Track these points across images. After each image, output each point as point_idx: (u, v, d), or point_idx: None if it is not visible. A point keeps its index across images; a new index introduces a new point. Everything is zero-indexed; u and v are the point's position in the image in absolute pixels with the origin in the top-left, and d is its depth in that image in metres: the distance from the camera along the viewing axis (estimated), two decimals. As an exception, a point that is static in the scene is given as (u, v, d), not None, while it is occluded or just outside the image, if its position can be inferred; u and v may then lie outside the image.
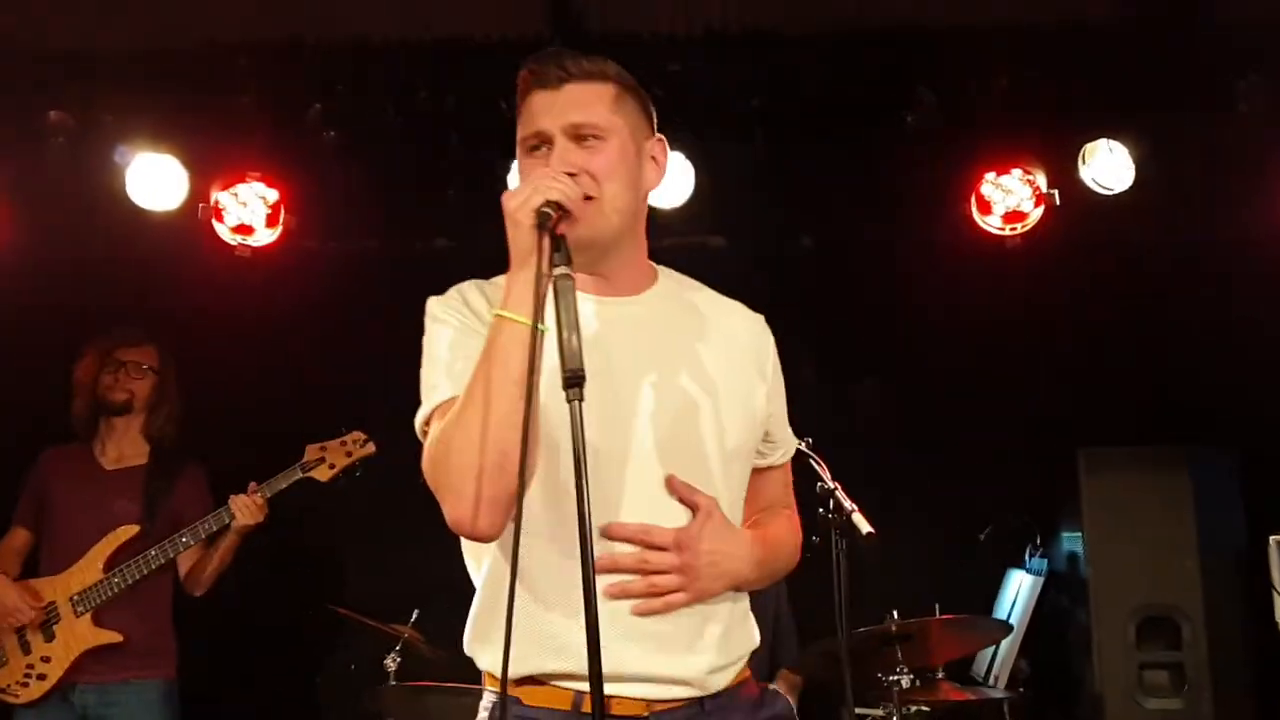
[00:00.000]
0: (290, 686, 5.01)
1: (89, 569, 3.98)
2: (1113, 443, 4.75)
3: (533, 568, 1.81)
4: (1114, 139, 4.44)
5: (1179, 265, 4.88)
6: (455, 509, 1.75)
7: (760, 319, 2.12)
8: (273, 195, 4.60)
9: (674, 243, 4.55)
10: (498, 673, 1.74)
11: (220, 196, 4.57)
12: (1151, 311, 5.02)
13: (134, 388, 4.19)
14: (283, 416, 4.37)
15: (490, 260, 5.57)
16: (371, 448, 4.18)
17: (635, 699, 1.82)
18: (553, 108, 1.88)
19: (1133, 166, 4.43)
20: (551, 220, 1.74)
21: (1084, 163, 4.45)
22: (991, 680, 4.82)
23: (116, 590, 3.95)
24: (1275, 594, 4.33)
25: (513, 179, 4.53)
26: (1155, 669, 4.58)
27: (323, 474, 4.13)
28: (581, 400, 1.62)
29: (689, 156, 4.40)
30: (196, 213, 4.53)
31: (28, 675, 3.93)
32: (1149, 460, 4.70)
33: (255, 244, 4.59)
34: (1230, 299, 4.90)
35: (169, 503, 4.13)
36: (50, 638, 3.95)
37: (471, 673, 2.01)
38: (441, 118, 4.62)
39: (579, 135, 1.88)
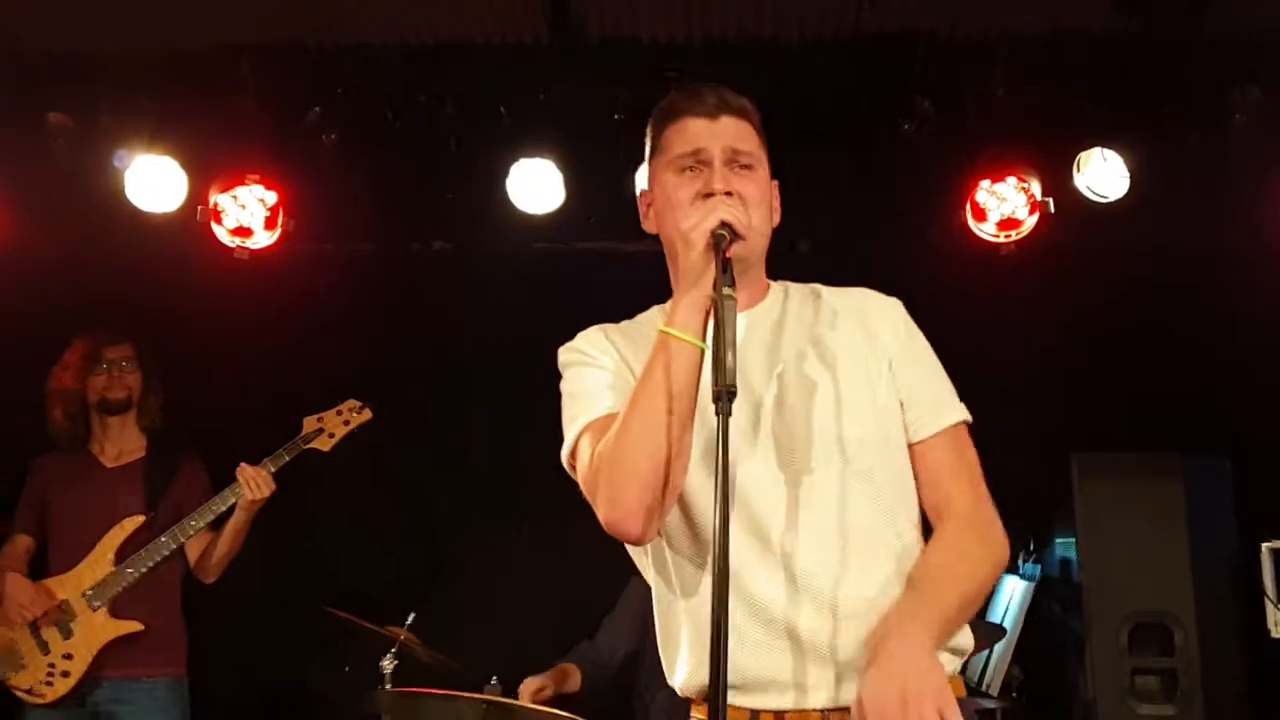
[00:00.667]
0: (285, 689, 5.01)
1: (99, 563, 4.01)
2: (1106, 448, 4.76)
3: (687, 586, 1.94)
4: (1108, 148, 4.46)
5: (1173, 273, 4.91)
6: (611, 513, 1.83)
7: (887, 299, 2.13)
8: (272, 198, 4.61)
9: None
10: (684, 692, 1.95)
11: (219, 199, 4.58)
12: (1146, 319, 5.04)
13: (128, 383, 4.22)
14: (280, 417, 4.37)
15: (487, 264, 5.61)
16: (368, 414, 4.23)
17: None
18: (712, 132, 1.97)
19: (1127, 175, 4.46)
20: (725, 242, 1.81)
21: (1079, 171, 4.49)
22: (985, 686, 4.84)
23: (131, 580, 3.99)
24: (1267, 601, 4.35)
25: (514, 179, 4.56)
26: (1148, 675, 4.59)
27: (324, 444, 4.18)
28: (729, 415, 1.67)
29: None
30: (195, 215, 4.55)
31: (50, 675, 3.94)
32: (1142, 466, 4.71)
33: (254, 246, 4.61)
34: (1223, 308, 4.93)
35: (170, 492, 4.16)
36: (68, 635, 3.97)
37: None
38: (440, 121, 4.65)
39: (735, 161, 1.97)
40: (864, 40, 4.42)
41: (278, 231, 4.62)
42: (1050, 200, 4.49)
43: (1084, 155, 4.47)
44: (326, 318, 5.05)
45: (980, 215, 4.53)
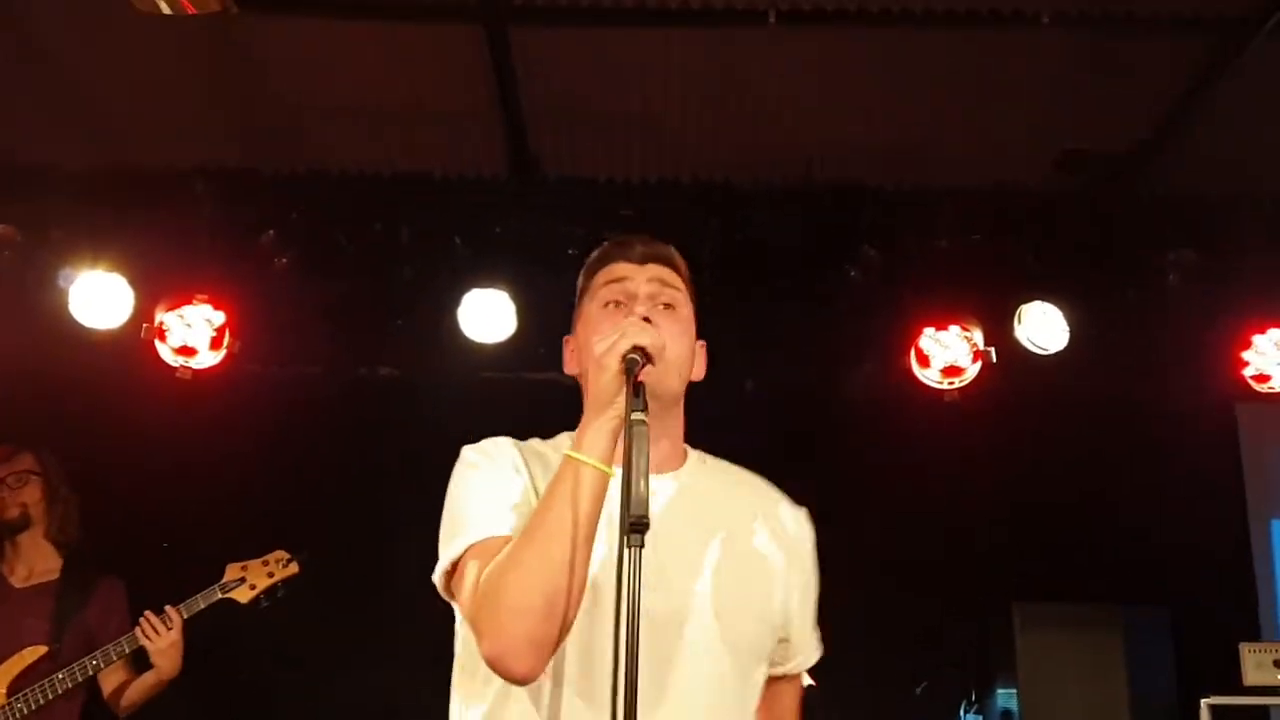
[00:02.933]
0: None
1: None
2: (1047, 598, 4.78)
3: (559, 713, 1.77)
4: (1048, 301, 4.58)
5: (1112, 426, 5.00)
6: (496, 646, 1.69)
7: (804, 512, 2.09)
8: (219, 318, 4.58)
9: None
10: None
11: (165, 317, 4.54)
12: (1086, 470, 5.12)
13: (23, 499, 4.03)
14: (216, 539, 4.27)
15: (434, 391, 5.58)
16: (295, 568, 4.03)
17: None
18: (639, 272, 1.97)
19: (1067, 329, 4.57)
20: (639, 365, 1.74)
21: (1019, 323, 4.59)
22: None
23: (20, 715, 3.76)
24: (1206, 757, 4.34)
25: (465, 310, 4.57)
26: (1089, 829, 4.54)
27: (243, 595, 3.96)
28: (641, 547, 1.57)
29: (638, 298, 4.47)
30: (140, 332, 4.50)
31: None
32: (1083, 618, 4.74)
33: (197, 365, 4.56)
34: (1162, 460, 5.02)
35: (82, 620, 3.95)
36: None
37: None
38: (394, 249, 4.67)
39: (658, 297, 1.95)
40: (813, 189, 4.55)
41: (223, 352, 4.58)
42: (992, 350, 4.59)
43: (1025, 308, 4.58)
44: (269, 438, 4.98)
45: (924, 361, 4.61)
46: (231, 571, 3.99)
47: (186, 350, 4.56)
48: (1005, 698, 4.90)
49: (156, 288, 4.56)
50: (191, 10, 3.61)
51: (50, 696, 3.77)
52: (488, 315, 4.60)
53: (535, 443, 1.98)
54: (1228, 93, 4.04)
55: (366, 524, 5.25)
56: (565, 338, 2.07)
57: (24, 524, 4.03)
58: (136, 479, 4.73)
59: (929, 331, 4.62)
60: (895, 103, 4.18)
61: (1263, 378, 4.69)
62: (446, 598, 1.87)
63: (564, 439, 1.94)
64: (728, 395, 5.13)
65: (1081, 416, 4.97)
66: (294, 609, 4.61)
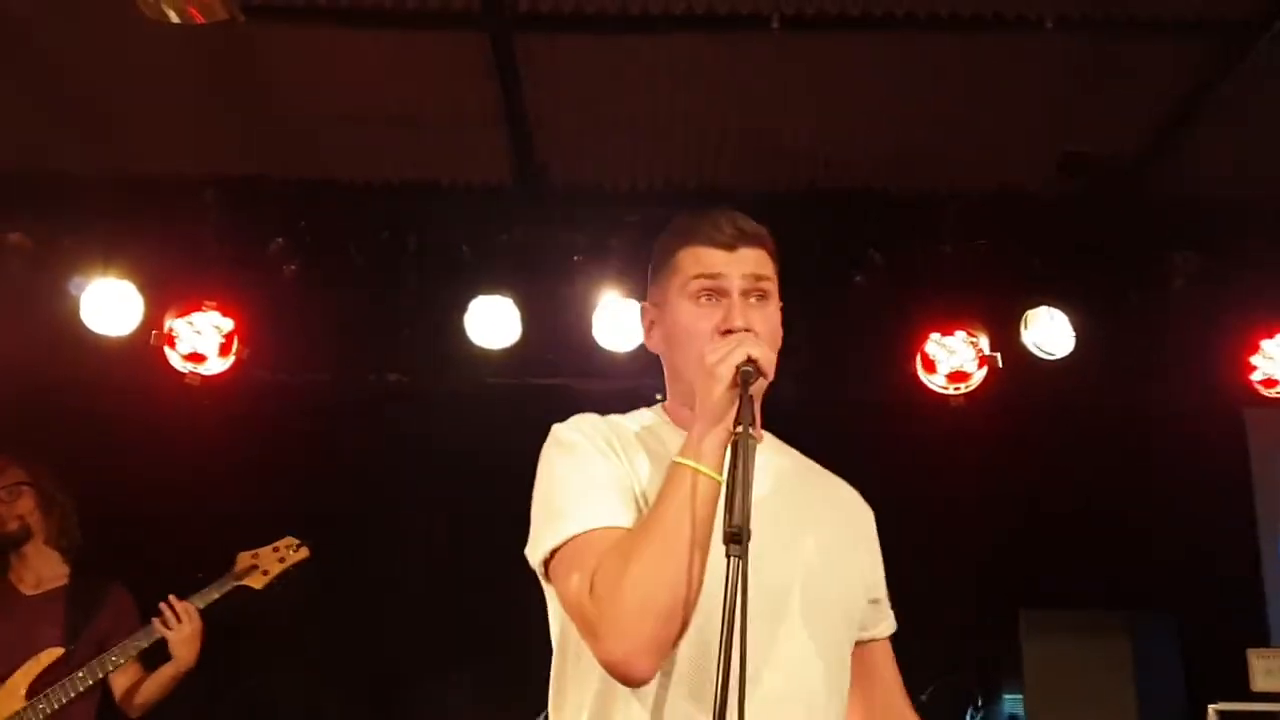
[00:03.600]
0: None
1: (10, 698, 3.82)
2: (1054, 605, 4.77)
3: (666, 716, 1.76)
4: (1054, 306, 4.58)
5: (1119, 431, 4.99)
6: (618, 648, 1.69)
7: (858, 493, 2.15)
8: (228, 325, 4.61)
9: (627, 386, 4.61)
10: None
11: (174, 324, 4.58)
12: (1093, 475, 5.11)
13: (19, 510, 4.06)
14: (225, 545, 4.29)
15: (441, 398, 5.59)
16: (305, 552, 4.07)
17: None
18: (731, 263, 1.92)
19: (1073, 334, 4.57)
20: (753, 379, 1.76)
21: (1026, 328, 4.59)
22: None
23: (42, 717, 3.79)
24: (1216, 763, 4.32)
25: (472, 317, 4.59)
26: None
27: (257, 581, 4.00)
28: (744, 558, 1.58)
29: (641, 304, 4.48)
30: (149, 339, 4.53)
31: None
32: (1090, 623, 4.72)
33: (206, 372, 4.59)
34: (1170, 465, 5.01)
35: (93, 624, 3.98)
36: None
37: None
38: (402, 258, 4.70)
39: (753, 291, 1.92)
40: (819, 195, 4.56)
41: (232, 358, 4.60)
42: (998, 355, 4.58)
43: (1031, 313, 4.59)
44: (277, 446, 5.00)
45: (930, 367, 4.61)
46: (243, 560, 4.03)
47: (195, 357, 4.59)
48: (1012, 704, 4.89)
49: (166, 295, 4.59)
50: (200, 19, 3.64)
51: (70, 696, 3.81)
52: (494, 322, 4.62)
53: (615, 418, 1.97)
54: (1233, 95, 4.04)
55: (375, 529, 5.27)
56: (642, 306, 2.06)
57: (25, 535, 4.06)
58: (145, 485, 4.75)
59: (935, 337, 4.62)
60: (900, 108, 4.19)
61: (1271, 382, 4.68)
62: (545, 583, 1.86)
63: (646, 415, 1.98)
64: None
65: (1088, 422, 4.96)
66: (303, 612, 4.65)
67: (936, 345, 4.62)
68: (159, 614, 3.90)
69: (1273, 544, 5.22)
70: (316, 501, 4.90)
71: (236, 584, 3.99)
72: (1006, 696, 4.96)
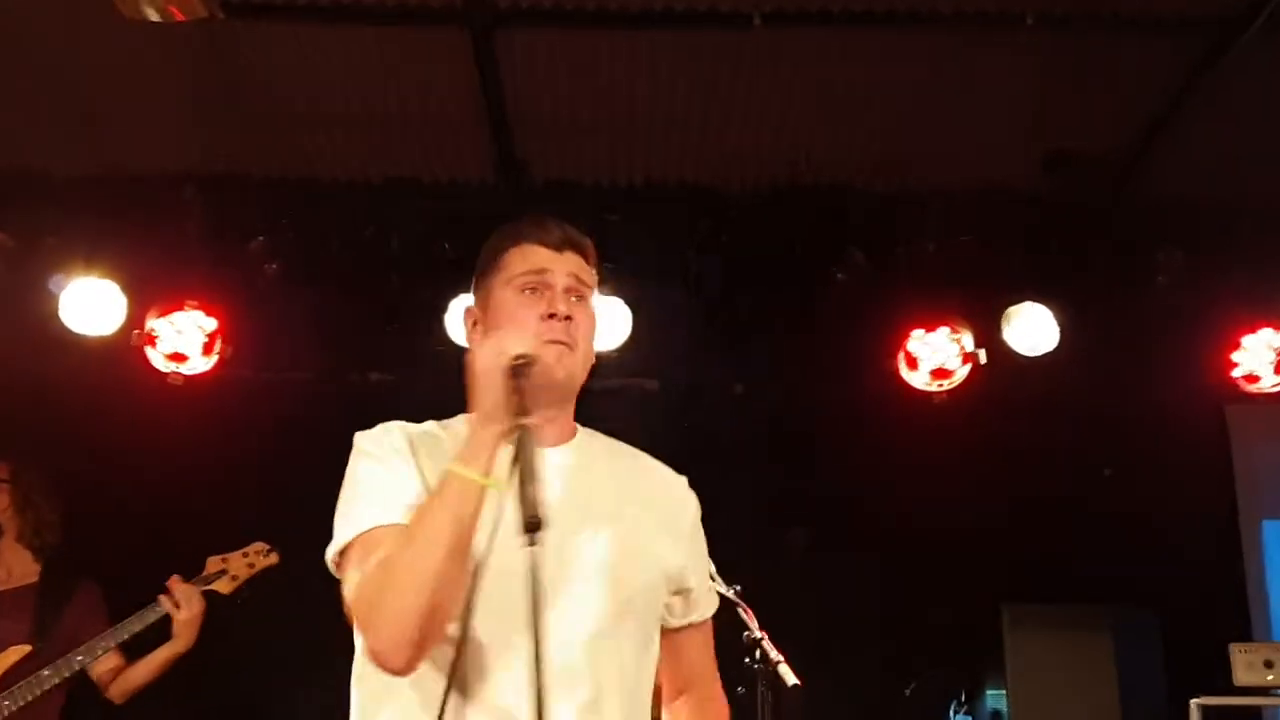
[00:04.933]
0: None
1: None
2: (1036, 600, 4.78)
3: (474, 698, 1.82)
4: (1038, 303, 4.59)
5: (1101, 427, 5.01)
6: (380, 644, 1.78)
7: (683, 480, 2.16)
8: (210, 324, 4.60)
9: (608, 385, 4.61)
10: None
11: (156, 323, 4.56)
12: (1075, 470, 5.12)
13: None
14: (206, 545, 4.27)
15: (425, 396, 5.55)
16: (274, 558, 4.04)
17: None
18: (557, 261, 2.00)
19: (1056, 330, 4.57)
20: (525, 373, 1.79)
21: (1008, 324, 4.60)
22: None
23: (5, 714, 3.76)
24: (1197, 756, 4.34)
25: (453, 316, 4.58)
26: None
27: (224, 586, 3.97)
28: (539, 545, 1.65)
29: (625, 301, 4.49)
30: (131, 339, 4.51)
31: None
32: (1072, 618, 4.74)
33: (188, 372, 4.57)
34: (1151, 461, 5.02)
35: (62, 621, 3.94)
36: None
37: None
38: (384, 255, 4.69)
39: (573, 290, 1.99)
40: (801, 192, 4.56)
41: (214, 358, 4.59)
42: (982, 352, 4.59)
43: (1014, 309, 4.59)
44: (260, 446, 4.97)
45: (913, 364, 4.62)
46: (212, 564, 4.00)
47: (178, 356, 4.57)
48: (994, 699, 4.91)
49: (147, 294, 4.57)
50: (179, 17, 3.63)
51: (36, 694, 3.78)
52: (476, 319, 4.60)
53: (430, 425, 2.04)
54: (1215, 93, 4.05)
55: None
56: (466, 308, 2.10)
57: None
58: (127, 485, 4.73)
59: (917, 334, 4.63)
60: (881, 105, 4.20)
61: (1252, 378, 4.70)
62: (336, 576, 1.92)
63: (458, 422, 2.00)
64: (717, 399, 5.14)
65: (1070, 418, 4.98)
66: (282, 614, 4.62)
67: (919, 342, 4.62)
68: (131, 611, 3.89)
69: (1254, 539, 5.24)
70: (298, 501, 4.86)
71: (205, 589, 3.95)
72: (989, 692, 4.98)
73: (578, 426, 2.10)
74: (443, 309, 4.60)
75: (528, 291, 1.97)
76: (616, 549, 1.95)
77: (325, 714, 5.02)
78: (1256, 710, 4.55)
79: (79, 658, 3.82)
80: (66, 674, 3.82)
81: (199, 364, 4.58)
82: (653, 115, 4.25)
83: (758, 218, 4.66)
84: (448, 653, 1.79)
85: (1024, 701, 4.65)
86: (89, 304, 4.50)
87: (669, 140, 4.39)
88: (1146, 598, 4.85)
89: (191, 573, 4.04)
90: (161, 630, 3.90)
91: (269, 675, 5.06)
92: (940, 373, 4.60)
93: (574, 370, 1.95)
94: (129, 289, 4.52)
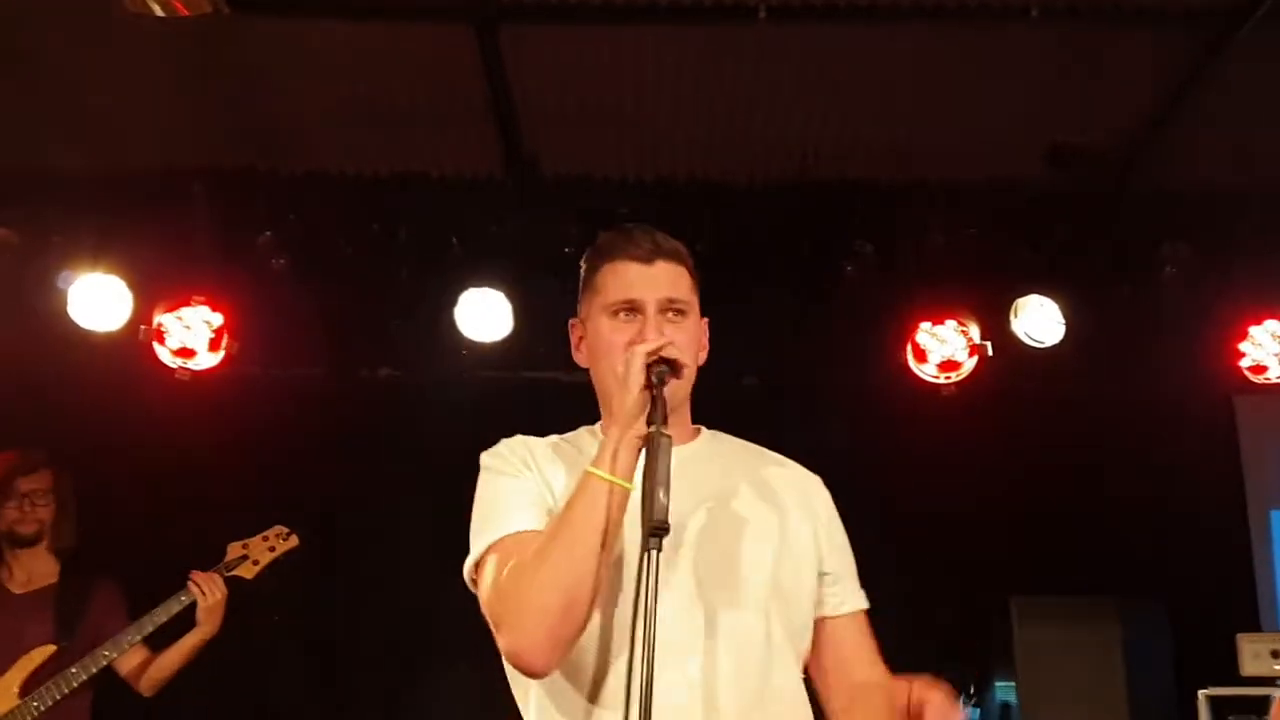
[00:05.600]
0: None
1: (4, 696, 3.82)
2: (1045, 592, 4.78)
3: (572, 705, 1.87)
4: (1045, 295, 4.59)
5: (1110, 418, 5.00)
6: (517, 643, 1.81)
7: (814, 477, 2.18)
8: (217, 319, 4.60)
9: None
10: None
11: (163, 319, 4.56)
12: (1083, 462, 5.12)
13: (40, 516, 4.05)
14: (215, 540, 4.29)
15: (433, 393, 5.57)
16: (295, 540, 4.09)
17: None
18: (646, 280, 2.00)
19: (1063, 322, 4.57)
20: (667, 377, 1.84)
21: (1015, 317, 4.60)
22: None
23: (35, 714, 3.79)
24: (1206, 747, 4.35)
25: (462, 310, 4.58)
26: (1088, 821, 4.54)
27: (248, 571, 4.03)
28: (659, 550, 1.67)
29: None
30: (138, 334, 4.52)
31: None
32: (1081, 610, 4.74)
33: (196, 367, 4.58)
34: (1158, 453, 5.02)
35: (85, 620, 3.98)
36: None
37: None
38: (392, 250, 4.69)
39: (668, 309, 2.00)
40: (808, 186, 4.56)
41: (221, 353, 4.59)
42: (989, 344, 4.59)
43: (1021, 302, 4.59)
44: (267, 442, 4.98)
45: (921, 356, 4.62)
46: (233, 550, 4.05)
47: (185, 352, 4.58)
48: (1004, 691, 4.91)
49: (155, 290, 4.57)
50: (184, 12, 3.63)
51: (65, 691, 3.81)
52: (485, 314, 4.61)
53: (552, 438, 2.09)
54: (1220, 83, 4.04)
55: (366, 525, 5.27)
56: (571, 322, 2.12)
57: (35, 540, 4.06)
58: (135, 481, 4.74)
59: (925, 326, 4.63)
60: (888, 97, 4.19)
61: (1259, 369, 4.70)
62: (473, 590, 1.96)
63: (585, 435, 2.08)
64: (725, 391, 5.13)
65: (1078, 409, 4.98)
66: (294, 606, 4.65)
67: (927, 335, 4.63)
68: (153, 606, 3.91)
69: (1262, 529, 5.24)
70: (306, 496, 4.88)
71: (228, 575, 4.00)
72: (998, 684, 4.98)
73: (701, 428, 2.14)
74: (451, 304, 4.60)
75: (621, 316, 2.00)
76: (755, 540, 1.96)
77: (336, 700, 5.09)
78: (1264, 701, 4.55)
79: (105, 652, 3.85)
80: (94, 669, 3.84)
81: (206, 359, 4.59)
82: (659, 109, 4.24)
83: (765, 211, 4.66)
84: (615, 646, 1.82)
85: (1033, 693, 4.65)
86: (96, 300, 4.50)
87: (676, 134, 4.39)
88: (1155, 589, 4.85)
89: (200, 567, 4.06)
90: (184, 620, 3.94)
91: (285, 661, 5.08)
92: (948, 365, 4.61)
93: (677, 393, 1.94)
94: (136, 285, 4.52)
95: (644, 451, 1.80)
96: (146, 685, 4.01)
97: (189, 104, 4.30)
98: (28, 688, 3.83)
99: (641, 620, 1.64)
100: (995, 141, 4.42)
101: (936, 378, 4.63)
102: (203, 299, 4.59)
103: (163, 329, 4.56)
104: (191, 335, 4.58)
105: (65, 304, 4.48)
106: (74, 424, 4.68)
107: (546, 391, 4.79)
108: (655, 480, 1.71)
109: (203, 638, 3.94)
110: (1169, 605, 4.84)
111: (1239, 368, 4.71)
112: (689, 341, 1.99)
